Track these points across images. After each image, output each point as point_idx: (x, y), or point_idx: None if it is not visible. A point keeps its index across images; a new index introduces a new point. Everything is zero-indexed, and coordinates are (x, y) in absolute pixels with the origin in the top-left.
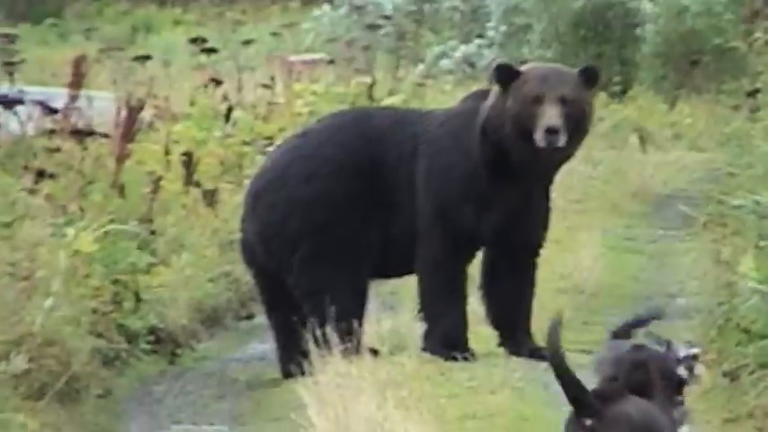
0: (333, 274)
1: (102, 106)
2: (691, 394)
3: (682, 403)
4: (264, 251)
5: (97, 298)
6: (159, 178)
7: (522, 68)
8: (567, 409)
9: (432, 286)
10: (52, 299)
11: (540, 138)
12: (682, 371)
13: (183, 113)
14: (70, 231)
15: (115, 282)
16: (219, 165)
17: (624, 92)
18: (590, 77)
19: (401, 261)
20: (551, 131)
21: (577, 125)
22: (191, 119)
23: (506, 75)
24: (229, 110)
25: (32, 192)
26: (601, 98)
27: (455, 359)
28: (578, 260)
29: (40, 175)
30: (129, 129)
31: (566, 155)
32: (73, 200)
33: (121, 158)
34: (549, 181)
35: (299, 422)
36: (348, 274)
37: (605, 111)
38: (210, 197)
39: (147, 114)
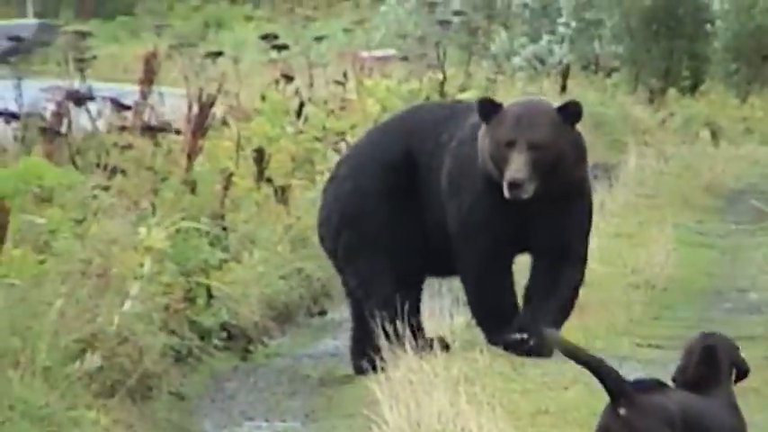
0: (370, 268)
1: (173, 103)
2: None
3: None
4: (323, 248)
5: (169, 295)
6: (231, 174)
7: (504, 105)
8: None
9: (476, 292)
10: (129, 300)
11: (505, 189)
12: None
13: (254, 110)
14: (142, 229)
15: (187, 278)
16: (291, 161)
17: (695, 87)
18: (570, 114)
19: (445, 259)
20: (514, 186)
21: (553, 169)
22: (262, 115)
23: (488, 110)
24: (301, 106)
25: (104, 189)
26: (671, 93)
27: (528, 354)
28: (650, 255)
29: (112, 171)
30: (201, 125)
31: (551, 190)
32: (145, 196)
33: (193, 155)
34: (559, 199)
35: (371, 418)
36: (385, 268)
37: (676, 106)
38: (282, 193)
39: (218, 111)
